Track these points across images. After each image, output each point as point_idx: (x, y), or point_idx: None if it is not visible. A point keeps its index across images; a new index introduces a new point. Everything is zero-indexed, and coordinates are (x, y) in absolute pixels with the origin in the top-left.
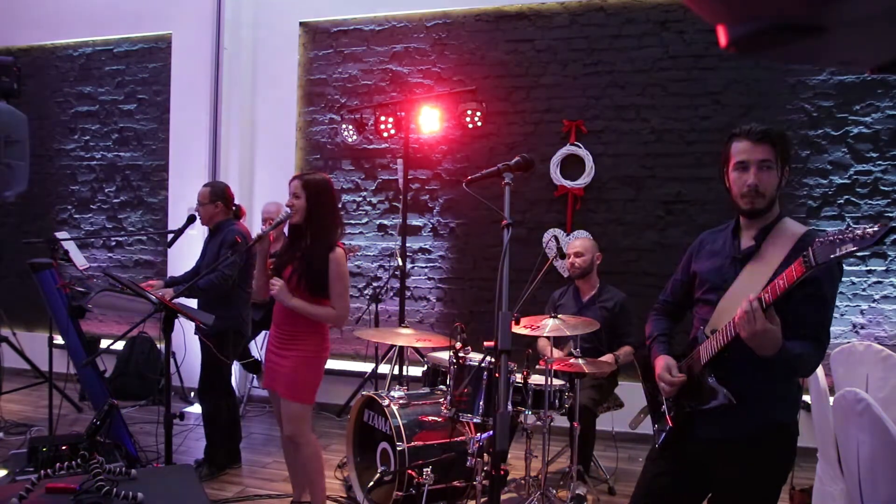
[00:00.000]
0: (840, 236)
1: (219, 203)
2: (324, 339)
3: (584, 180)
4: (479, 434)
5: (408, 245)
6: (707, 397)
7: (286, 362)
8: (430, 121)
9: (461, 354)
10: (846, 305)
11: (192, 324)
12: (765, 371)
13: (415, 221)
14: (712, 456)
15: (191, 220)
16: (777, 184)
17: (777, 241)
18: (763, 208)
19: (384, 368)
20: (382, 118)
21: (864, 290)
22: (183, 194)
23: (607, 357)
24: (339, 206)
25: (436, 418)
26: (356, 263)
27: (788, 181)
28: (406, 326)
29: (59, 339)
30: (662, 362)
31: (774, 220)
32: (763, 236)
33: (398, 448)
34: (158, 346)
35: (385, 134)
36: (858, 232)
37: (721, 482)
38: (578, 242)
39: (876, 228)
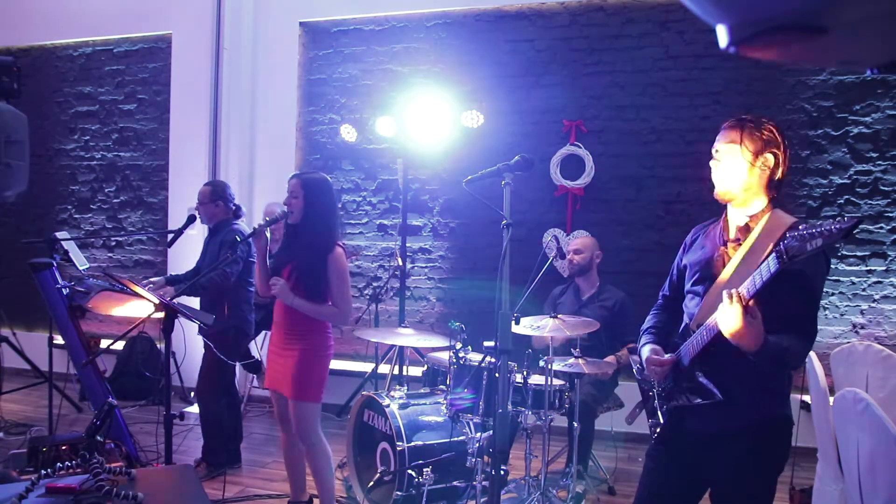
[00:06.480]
0: (811, 230)
1: (219, 202)
2: (326, 336)
3: (584, 180)
4: (479, 434)
5: (408, 245)
6: (697, 394)
7: (288, 361)
8: (430, 121)
9: (461, 354)
10: (846, 305)
11: (194, 324)
12: (752, 365)
13: (415, 221)
14: (706, 451)
15: (191, 219)
16: (741, 176)
17: (764, 233)
18: (729, 197)
19: (384, 368)
20: (382, 118)
21: (864, 290)
22: (183, 194)
23: (609, 359)
24: (339, 206)
25: (436, 418)
26: (356, 263)
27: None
28: (406, 326)
29: (59, 339)
30: (648, 350)
31: (762, 212)
32: (749, 228)
33: (398, 448)
34: (158, 346)
35: (385, 134)
36: (827, 227)
37: (715, 477)
38: (578, 240)
39: (844, 223)
